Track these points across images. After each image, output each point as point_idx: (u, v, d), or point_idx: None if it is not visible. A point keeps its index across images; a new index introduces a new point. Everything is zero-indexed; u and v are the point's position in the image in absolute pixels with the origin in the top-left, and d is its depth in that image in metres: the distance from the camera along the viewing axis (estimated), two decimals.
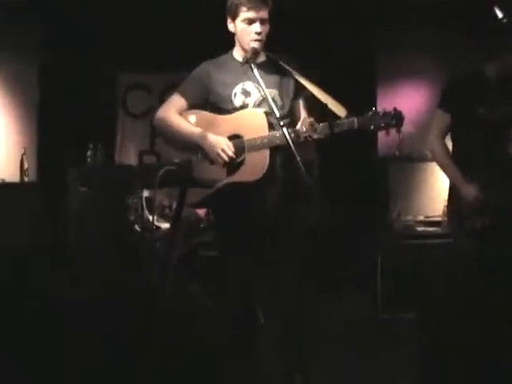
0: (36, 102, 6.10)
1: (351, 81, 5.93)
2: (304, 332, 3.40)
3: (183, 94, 3.45)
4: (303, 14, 5.81)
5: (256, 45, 3.31)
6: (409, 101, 6.20)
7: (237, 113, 3.36)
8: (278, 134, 3.23)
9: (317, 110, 3.34)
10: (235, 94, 3.37)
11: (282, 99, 3.37)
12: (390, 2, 5.94)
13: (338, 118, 3.21)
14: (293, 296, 3.32)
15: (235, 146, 3.31)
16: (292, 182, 3.32)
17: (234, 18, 3.35)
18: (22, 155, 5.77)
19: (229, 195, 3.32)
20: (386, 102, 6.18)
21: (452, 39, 5.90)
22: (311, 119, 3.22)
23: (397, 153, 5.69)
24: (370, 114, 3.23)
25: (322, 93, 3.27)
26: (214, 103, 3.42)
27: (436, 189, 5.42)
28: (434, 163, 3.96)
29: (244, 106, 3.36)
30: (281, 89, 3.39)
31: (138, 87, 6.40)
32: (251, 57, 3.29)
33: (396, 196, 5.46)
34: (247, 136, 3.30)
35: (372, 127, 3.22)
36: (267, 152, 3.25)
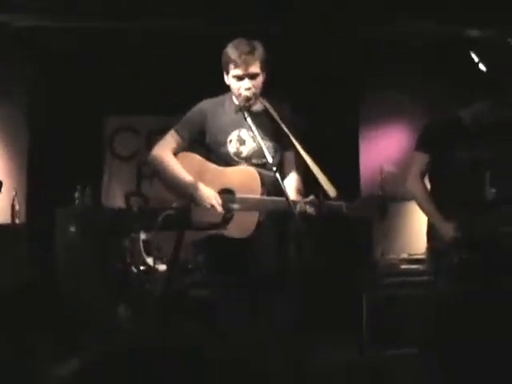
0: (25, 145, 6.15)
1: (335, 118, 6.13)
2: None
3: (179, 133, 3.48)
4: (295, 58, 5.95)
5: (248, 93, 3.36)
6: (391, 141, 6.34)
7: (231, 168, 3.39)
8: (269, 199, 3.27)
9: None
10: (230, 141, 3.41)
11: (275, 151, 3.42)
12: (375, 45, 6.08)
13: (326, 193, 3.19)
14: (290, 338, 3.37)
15: (225, 202, 3.32)
16: (281, 231, 3.37)
17: (226, 73, 3.41)
18: (14, 197, 5.76)
19: (218, 246, 3.36)
20: (368, 143, 6.38)
21: (434, 84, 6.05)
22: (310, 198, 3.23)
23: (379, 192, 5.79)
24: (358, 201, 3.32)
25: (315, 166, 3.23)
26: (209, 144, 3.47)
27: (418, 227, 5.50)
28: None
29: (238, 153, 3.41)
30: (275, 140, 3.43)
31: (125, 129, 6.47)
32: (244, 105, 3.36)
33: (379, 235, 5.55)
34: (239, 193, 3.32)
35: (358, 214, 3.31)
36: (257, 212, 3.28)
